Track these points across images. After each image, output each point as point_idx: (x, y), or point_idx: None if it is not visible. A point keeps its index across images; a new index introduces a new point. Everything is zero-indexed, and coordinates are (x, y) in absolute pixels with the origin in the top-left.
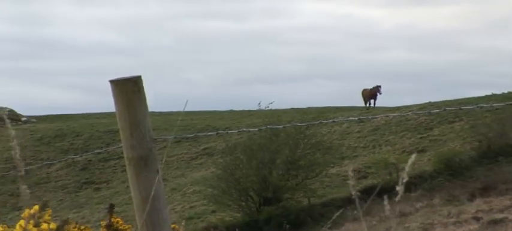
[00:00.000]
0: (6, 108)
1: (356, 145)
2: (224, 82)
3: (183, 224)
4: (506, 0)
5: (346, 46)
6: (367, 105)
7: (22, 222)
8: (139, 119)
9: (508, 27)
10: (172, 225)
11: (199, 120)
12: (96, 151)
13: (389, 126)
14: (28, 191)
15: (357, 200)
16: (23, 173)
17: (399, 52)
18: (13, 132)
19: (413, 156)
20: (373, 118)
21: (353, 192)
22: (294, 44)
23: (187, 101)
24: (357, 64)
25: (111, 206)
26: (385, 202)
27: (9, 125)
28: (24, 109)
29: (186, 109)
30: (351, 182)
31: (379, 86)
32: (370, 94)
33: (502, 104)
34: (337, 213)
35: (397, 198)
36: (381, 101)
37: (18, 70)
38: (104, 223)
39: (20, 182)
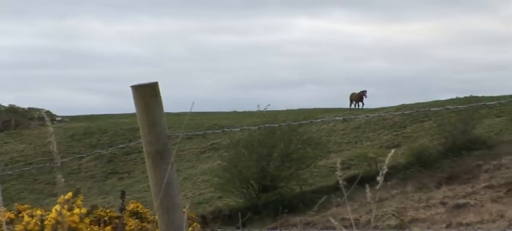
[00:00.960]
0: (43, 109)
1: (341, 141)
2: (229, 87)
3: (187, 206)
4: (466, 19)
5: (333, 57)
6: (353, 106)
7: (57, 206)
8: (156, 119)
9: (469, 41)
10: (184, 210)
11: (208, 119)
12: (119, 146)
13: (369, 125)
14: (63, 180)
15: (343, 188)
16: (59, 164)
17: (377, 62)
18: (51, 129)
19: (392, 151)
20: (355, 118)
21: (340, 182)
22: (289, 55)
23: (193, 102)
24: (342, 72)
25: (123, 193)
26: (367, 190)
27: (49, 123)
28: (58, 110)
29: (196, 111)
30: (338, 173)
31: (365, 91)
32: (358, 97)
33: (465, 106)
34: (322, 199)
35: (377, 187)
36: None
37: (54, 77)
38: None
39: (57, 173)
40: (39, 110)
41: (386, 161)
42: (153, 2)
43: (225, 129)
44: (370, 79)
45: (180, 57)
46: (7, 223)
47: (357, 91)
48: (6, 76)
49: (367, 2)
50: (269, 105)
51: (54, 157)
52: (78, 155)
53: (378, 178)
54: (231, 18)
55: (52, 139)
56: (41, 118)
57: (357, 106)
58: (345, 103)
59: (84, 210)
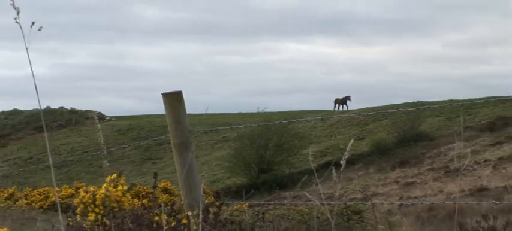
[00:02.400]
0: (96, 110)
1: (319, 134)
2: (236, 94)
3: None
4: (415, 43)
5: (314, 72)
6: (337, 108)
7: (106, 184)
8: (180, 118)
9: (416, 59)
10: (203, 186)
11: (219, 119)
12: (153, 139)
13: (341, 123)
14: (107, 164)
15: (314, 171)
16: (105, 153)
17: (348, 75)
18: (99, 126)
19: (351, 141)
20: (330, 117)
21: (312, 166)
22: (281, 70)
23: (208, 107)
24: (321, 83)
25: (155, 174)
26: (333, 170)
27: (97, 123)
28: (108, 112)
29: (210, 112)
30: (311, 159)
31: (350, 96)
32: (341, 101)
33: (413, 108)
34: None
35: (342, 168)
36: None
37: (105, 87)
38: (161, 184)
39: (103, 159)
40: (93, 111)
41: (347, 148)
42: (179, 31)
43: (232, 126)
44: (342, 88)
45: (199, 72)
46: (69, 197)
47: (340, 96)
48: (70, 86)
49: (341, 31)
50: (266, 108)
51: (101, 147)
52: (122, 146)
53: (342, 162)
54: (238, 43)
55: (100, 134)
56: (94, 118)
57: (341, 108)
58: (324, 106)
59: (125, 187)
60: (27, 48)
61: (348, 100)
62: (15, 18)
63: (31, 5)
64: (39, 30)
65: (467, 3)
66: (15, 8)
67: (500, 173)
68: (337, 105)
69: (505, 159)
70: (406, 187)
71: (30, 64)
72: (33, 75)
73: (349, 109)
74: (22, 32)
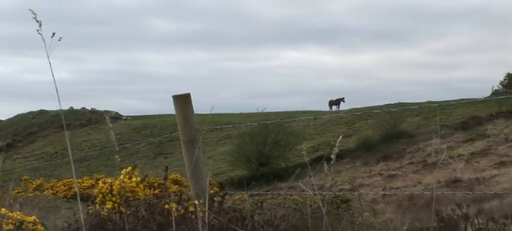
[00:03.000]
0: (114, 111)
1: (312, 132)
2: (238, 97)
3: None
4: (398, 52)
5: (308, 76)
6: (331, 109)
7: (121, 176)
8: (188, 117)
9: (399, 66)
10: (208, 178)
11: (223, 118)
12: (164, 136)
13: (331, 122)
14: (119, 159)
15: (308, 164)
16: (117, 149)
17: (338, 80)
18: (110, 125)
19: (340, 137)
20: (322, 117)
21: (306, 160)
22: (279, 75)
23: (212, 107)
24: (314, 87)
25: (166, 167)
26: (324, 164)
27: (108, 121)
28: (124, 112)
29: (215, 112)
30: (304, 154)
31: (343, 97)
32: (335, 102)
33: (395, 109)
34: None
35: (332, 162)
36: (326, 108)
37: (122, 90)
38: (172, 176)
39: (114, 154)
40: (111, 111)
41: (337, 144)
42: (187, 40)
43: (235, 125)
44: (333, 91)
45: (205, 76)
46: (89, 187)
47: (334, 98)
48: (90, 89)
49: (332, 40)
50: (264, 108)
51: (114, 143)
52: (137, 142)
53: (332, 156)
54: (240, 51)
55: (111, 132)
56: (113, 117)
57: (335, 108)
58: (316, 107)
59: (139, 178)
60: (48, 56)
61: (341, 102)
62: (37, 30)
63: (58, 17)
64: (59, 40)
65: (444, 16)
66: (37, 21)
67: (472, 166)
68: (331, 106)
69: (476, 154)
70: (389, 179)
71: (51, 70)
72: (54, 80)
73: (342, 109)
74: (44, 42)
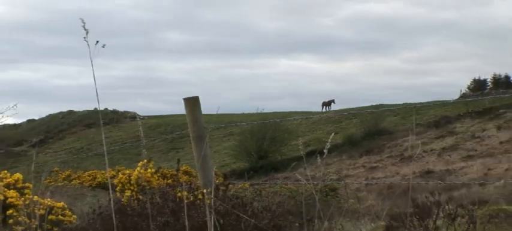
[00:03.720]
0: (133, 111)
1: (304, 130)
2: (241, 99)
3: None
4: (379, 60)
5: (301, 81)
6: (324, 109)
7: (138, 168)
8: (197, 117)
9: (380, 72)
10: (214, 170)
11: (228, 117)
12: (176, 133)
13: (321, 121)
14: (145, 152)
15: (304, 157)
16: (144, 143)
17: (327, 84)
18: (140, 123)
19: (332, 134)
20: (312, 117)
21: (302, 153)
22: (276, 80)
23: (218, 108)
24: (307, 90)
25: (178, 160)
26: (318, 157)
27: (139, 121)
28: (142, 112)
29: (221, 113)
30: (300, 148)
31: (334, 99)
32: (327, 103)
33: (376, 110)
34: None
35: (325, 156)
36: (317, 108)
37: (139, 93)
38: (183, 168)
39: (142, 148)
40: (130, 112)
41: (328, 141)
42: (196, 50)
43: (237, 123)
44: (323, 94)
45: (212, 81)
46: (111, 177)
47: (326, 100)
48: (112, 92)
49: (322, 50)
50: (263, 109)
51: (141, 139)
52: (152, 138)
53: (325, 150)
54: (242, 59)
55: (140, 129)
56: (132, 117)
57: (327, 109)
58: (308, 108)
59: (153, 170)
60: (92, 60)
61: (332, 103)
62: (84, 37)
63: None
64: (103, 47)
65: (419, 30)
66: (85, 29)
67: (443, 159)
68: (324, 107)
69: (447, 148)
70: (371, 170)
71: (93, 74)
72: (95, 82)
73: (325, 111)
74: (89, 48)
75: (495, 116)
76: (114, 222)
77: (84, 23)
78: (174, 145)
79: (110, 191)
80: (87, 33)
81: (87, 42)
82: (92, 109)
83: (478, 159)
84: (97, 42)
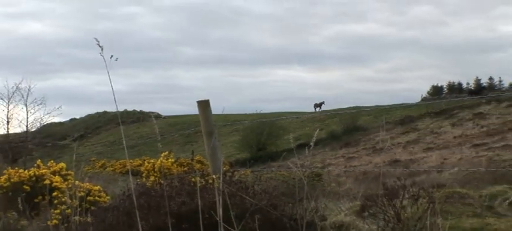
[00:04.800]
0: (156, 111)
1: (295, 127)
2: (243, 101)
3: (222, 158)
4: (357, 70)
5: (294, 88)
6: (315, 110)
7: (160, 158)
8: (208, 116)
9: (357, 79)
10: (222, 159)
11: (233, 117)
12: (192, 129)
13: (308, 120)
14: (161, 146)
15: (294, 149)
16: (159, 138)
17: (314, 90)
18: (155, 121)
19: (317, 131)
20: (301, 117)
21: (293, 146)
22: (273, 86)
23: (223, 109)
24: (298, 95)
25: (192, 152)
26: (307, 150)
27: (154, 120)
28: (163, 113)
29: (226, 113)
30: (291, 141)
31: (324, 101)
32: (319, 105)
33: (353, 111)
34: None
35: (311, 148)
36: (309, 109)
37: (160, 97)
38: (197, 158)
39: (158, 143)
40: (154, 112)
41: (314, 136)
42: (208, 62)
43: (241, 122)
44: (312, 98)
45: (220, 87)
46: (138, 166)
47: (318, 102)
48: (139, 96)
49: (311, 62)
50: (262, 110)
51: (156, 135)
52: (172, 134)
53: (311, 143)
54: (246, 70)
55: (155, 127)
56: (155, 116)
57: (318, 110)
58: (299, 110)
59: (173, 160)
60: (108, 71)
61: (322, 104)
62: (100, 53)
63: (119, 47)
64: (116, 60)
65: (390, 46)
66: (100, 46)
67: (407, 151)
68: (316, 107)
69: (410, 142)
70: (349, 160)
71: (111, 82)
72: (112, 90)
73: (313, 111)
74: (105, 61)
75: (449, 116)
76: (135, 202)
77: (98, 41)
78: (189, 139)
79: (130, 177)
80: (102, 49)
81: (103, 56)
82: (122, 110)
83: (435, 150)
84: (111, 56)
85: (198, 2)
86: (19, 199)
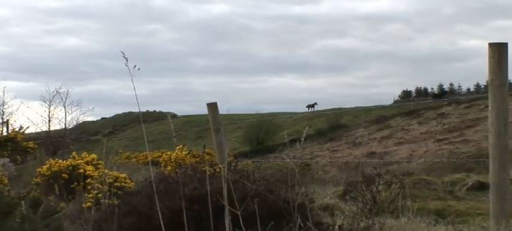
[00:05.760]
0: (172, 112)
1: (289, 125)
2: (245, 103)
3: (227, 150)
4: (338, 77)
5: (288, 93)
6: (308, 110)
7: (176, 151)
8: (216, 116)
9: (338, 85)
10: (227, 152)
11: (236, 116)
12: (202, 127)
13: (299, 119)
14: (176, 141)
15: (287, 143)
16: (174, 134)
17: (305, 95)
18: (170, 120)
19: (306, 128)
20: (293, 116)
21: (286, 140)
22: (271, 92)
23: (228, 109)
24: (291, 98)
25: (204, 146)
26: (298, 144)
27: (169, 118)
28: (178, 113)
29: (230, 113)
30: (285, 137)
31: (316, 102)
32: (311, 105)
33: (337, 111)
34: (280, 147)
35: (302, 142)
36: (301, 110)
37: (177, 100)
38: (206, 150)
39: (172, 138)
40: (171, 112)
41: (304, 132)
42: (215, 71)
43: (243, 121)
44: (303, 101)
45: (226, 92)
46: (157, 157)
47: (311, 103)
48: (158, 99)
49: (301, 71)
50: (261, 110)
51: (172, 132)
52: (185, 130)
53: (302, 138)
54: (247, 77)
55: (171, 125)
56: (172, 116)
57: (310, 110)
58: (292, 110)
59: (186, 152)
60: (132, 79)
61: (315, 105)
62: (125, 63)
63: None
64: (138, 69)
65: (367, 56)
66: (125, 58)
67: (382, 144)
68: (308, 108)
69: (384, 137)
70: (333, 152)
71: (134, 88)
72: (135, 94)
73: (304, 112)
74: (129, 71)
75: (417, 115)
76: (155, 188)
77: (124, 54)
78: (200, 135)
79: (150, 166)
80: (127, 60)
81: (127, 66)
82: (144, 110)
83: (405, 144)
84: (134, 66)
85: (208, 20)
86: (56, 185)
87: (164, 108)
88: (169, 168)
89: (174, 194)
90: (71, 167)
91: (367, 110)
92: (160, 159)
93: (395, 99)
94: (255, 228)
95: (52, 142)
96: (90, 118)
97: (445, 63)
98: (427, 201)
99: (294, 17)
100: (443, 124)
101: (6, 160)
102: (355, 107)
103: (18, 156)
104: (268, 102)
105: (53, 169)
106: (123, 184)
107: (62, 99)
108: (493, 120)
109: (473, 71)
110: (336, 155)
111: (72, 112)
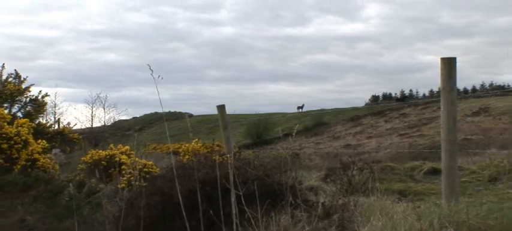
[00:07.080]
0: (189, 112)
1: (282, 122)
2: (247, 105)
3: (233, 143)
4: (325, 85)
5: (281, 97)
6: (298, 110)
7: (192, 143)
8: (224, 115)
9: (325, 91)
10: (233, 144)
11: (240, 116)
12: (213, 124)
13: (291, 117)
14: (191, 135)
15: (282, 137)
16: (191, 130)
17: (295, 99)
18: (188, 119)
19: (297, 126)
20: (285, 116)
21: (280, 135)
22: (269, 97)
23: (235, 110)
24: (284, 102)
25: (213, 139)
26: (289, 138)
27: (187, 118)
28: (194, 113)
29: (236, 113)
30: (280, 132)
31: (304, 104)
32: (300, 107)
33: (321, 111)
34: (275, 141)
35: (294, 136)
36: (292, 110)
37: (193, 102)
38: (216, 143)
39: (190, 133)
40: (187, 113)
41: (295, 129)
42: (224, 80)
43: (246, 119)
44: (295, 103)
45: (232, 97)
46: (177, 148)
47: (300, 104)
48: (177, 102)
49: (292, 80)
50: (260, 111)
51: (189, 128)
52: (200, 127)
53: (293, 133)
54: (249, 85)
55: (188, 123)
56: (189, 116)
57: (300, 110)
58: (285, 110)
59: (200, 144)
60: (156, 86)
61: (303, 106)
62: (151, 74)
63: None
64: (162, 79)
65: (345, 69)
66: (151, 69)
67: (356, 138)
68: (298, 109)
69: (358, 132)
70: (317, 144)
71: (158, 93)
72: (159, 98)
73: (295, 112)
74: (154, 79)
75: (383, 115)
76: (175, 173)
77: (150, 66)
78: (211, 131)
79: (171, 156)
80: (152, 71)
81: (153, 76)
82: (167, 111)
83: (374, 138)
84: (159, 75)
85: (219, 40)
86: (97, 171)
87: (183, 109)
88: (186, 157)
89: (190, 178)
90: (108, 156)
91: (344, 111)
92: (180, 150)
93: (367, 102)
94: (255, 205)
95: (94, 136)
96: (124, 117)
97: (407, 73)
98: (391, 183)
99: (287, 37)
100: (404, 122)
101: (57, 150)
102: (335, 108)
103: (67, 147)
104: (266, 105)
105: (94, 158)
106: (150, 169)
107: (102, 102)
108: (444, 119)
109: (428, 80)
110: (320, 147)
111: (110, 112)
